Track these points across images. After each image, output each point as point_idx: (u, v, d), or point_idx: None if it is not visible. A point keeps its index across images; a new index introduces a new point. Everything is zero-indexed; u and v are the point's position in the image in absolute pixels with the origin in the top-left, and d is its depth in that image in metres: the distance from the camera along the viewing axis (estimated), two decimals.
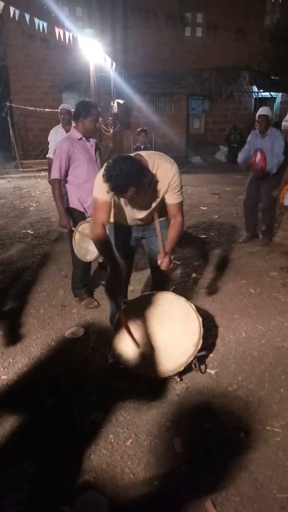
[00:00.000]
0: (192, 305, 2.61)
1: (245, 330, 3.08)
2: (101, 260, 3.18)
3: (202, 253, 4.78)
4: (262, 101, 14.60)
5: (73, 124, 5.12)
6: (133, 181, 2.00)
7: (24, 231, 5.74)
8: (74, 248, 3.25)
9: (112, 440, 2.06)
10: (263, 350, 2.83)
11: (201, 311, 2.76)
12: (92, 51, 9.68)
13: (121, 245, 2.62)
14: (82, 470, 1.89)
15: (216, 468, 1.89)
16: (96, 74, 10.86)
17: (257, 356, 2.76)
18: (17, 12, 6.78)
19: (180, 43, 13.97)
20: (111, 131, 11.85)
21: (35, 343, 2.95)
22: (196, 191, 8.53)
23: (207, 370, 2.59)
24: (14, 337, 3.02)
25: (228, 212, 6.71)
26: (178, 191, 2.38)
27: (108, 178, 1.99)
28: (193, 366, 2.45)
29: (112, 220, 2.54)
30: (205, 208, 7.04)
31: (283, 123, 4.08)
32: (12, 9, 6.54)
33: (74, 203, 3.31)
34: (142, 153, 2.30)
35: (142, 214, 2.43)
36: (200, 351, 2.45)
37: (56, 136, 5.44)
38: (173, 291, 2.75)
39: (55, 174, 3.17)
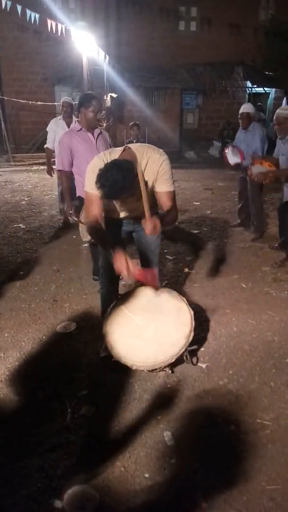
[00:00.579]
0: (184, 298, 2.61)
1: (237, 325, 3.10)
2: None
3: (194, 248, 4.79)
4: (255, 97, 14.62)
5: (74, 118, 5.14)
6: (126, 190, 2.00)
7: (15, 225, 5.70)
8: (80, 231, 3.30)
9: (103, 434, 2.07)
10: (254, 344, 2.85)
11: (193, 305, 2.77)
12: (85, 44, 9.58)
13: (112, 238, 2.61)
14: (73, 464, 1.89)
15: (206, 460, 1.91)
16: (89, 67, 10.76)
17: (248, 350, 2.78)
18: (9, 3, 6.69)
19: (174, 37, 13.90)
20: (104, 125, 11.77)
21: (27, 338, 2.93)
22: (189, 186, 8.53)
23: (198, 363, 2.61)
24: (5, 332, 3.00)
25: (221, 207, 6.72)
26: (168, 178, 2.32)
27: (100, 186, 1.97)
28: (184, 358, 2.46)
29: (103, 214, 2.53)
30: (198, 203, 7.04)
31: (277, 111, 4.11)
32: (3, 0, 6.45)
33: (80, 192, 3.42)
34: (131, 146, 2.29)
35: (132, 207, 2.42)
36: (191, 344, 2.46)
37: (56, 127, 5.48)
38: (165, 285, 2.76)
39: (59, 166, 3.43)
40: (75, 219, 3.39)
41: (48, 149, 5.75)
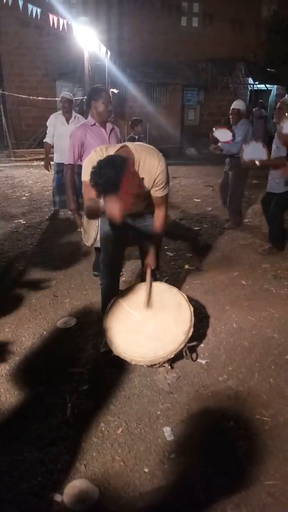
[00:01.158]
0: (184, 295, 2.62)
1: (236, 321, 3.10)
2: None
3: (195, 244, 4.79)
4: (257, 93, 14.57)
5: (74, 114, 5.13)
6: (119, 188, 1.99)
7: (16, 221, 5.70)
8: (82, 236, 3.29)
9: (103, 429, 2.08)
10: (254, 340, 2.86)
11: (193, 302, 2.77)
12: (87, 39, 9.53)
13: (112, 234, 2.61)
14: (73, 458, 1.90)
15: (205, 455, 1.92)
16: (90, 62, 10.72)
17: (248, 346, 2.79)
18: None
19: (176, 33, 13.81)
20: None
21: (27, 333, 2.94)
22: (190, 183, 8.51)
23: (198, 360, 2.62)
24: (5, 327, 3.01)
25: (221, 204, 6.69)
26: (163, 186, 2.37)
27: (94, 183, 1.98)
28: (184, 354, 2.47)
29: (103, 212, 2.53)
30: (199, 200, 7.04)
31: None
32: None
33: None
34: (130, 145, 2.28)
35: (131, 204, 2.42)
36: (191, 341, 2.47)
37: (56, 121, 5.49)
38: (166, 281, 2.76)
39: (69, 160, 3.32)
40: (74, 219, 3.33)
41: (47, 144, 5.76)
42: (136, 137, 6.36)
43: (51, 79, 13.33)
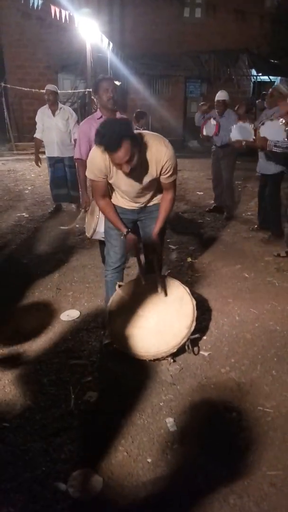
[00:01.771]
0: (187, 288, 2.62)
1: (239, 314, 3.11)
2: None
3: (197, 237, 4.78)
4: (260, 85, 14.42)
5: (59, 105, 5.13)
6: (125, 135, 1.99)
7: (19, 214, 5.70)
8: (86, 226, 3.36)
9: (106, 420, 2.10)
10: (256, 333, 2.86)
11: (195, 295, 2.78)
12: (89, 31, 9.47)
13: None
14: (77, 448, 1.92)
15: (207, 446, 1.94)
16: (92, 54, 10.65)
17: (250, 339, 2.80)
18: None
19: (178, 24, 13.66)
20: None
21: (30, 325, 2.96)
22: (192, 175, 8.48)
23: (201, 352, 2.63)
24: (8, 319, 3.03)
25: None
26: (172, 173, 2.37)
27: (100, 139, 1.99)
28: (186, 347, 2.48)
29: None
30: (201, 193, 7.02)
31: (277, 84, 4.32)
32: None
33: None
34: (136, 131, 2.28)
35: (136, 193, 2.43)
36: (193, 333, 2.48)
37: (43, 116, 5.46)
38: (168, 274, 2.76)
39: (76, 155, 3.36)
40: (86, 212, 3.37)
41: (37, 139, 5.69)
42: (140, 129, 6.34)
43: (53, 72, 13.24)
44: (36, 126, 5.62)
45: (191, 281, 3.61)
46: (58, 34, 11.97)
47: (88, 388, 2.31)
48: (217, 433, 2.01)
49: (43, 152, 5.70)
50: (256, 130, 4.25)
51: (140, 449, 1.92)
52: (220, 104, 5.32)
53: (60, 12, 7.89)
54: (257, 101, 13.02)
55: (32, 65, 13.24)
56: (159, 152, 2.25)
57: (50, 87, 5.46)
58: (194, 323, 2.44)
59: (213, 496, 1.70)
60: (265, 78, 14.20)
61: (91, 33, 9.55)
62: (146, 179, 2.34)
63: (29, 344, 2.73)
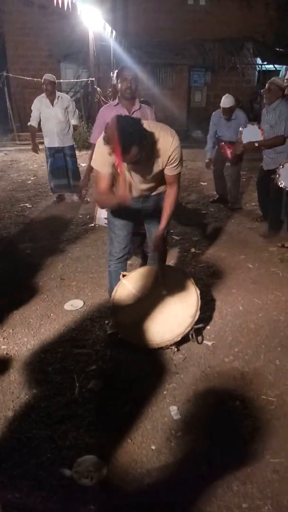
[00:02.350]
0: (191, 278, 2.62)
1: (243, 304, 3.11)
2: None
3: (201, 228, 4.77)
4: (266, 74, 14.23)
5: (57, 94, 5.16)
6: (135, 140, 1.97)
7: (22, 205, 5.70)
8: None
9: (110, 407, 2.11)
10: (260, 323, 2.87)
11: (199, 285, 2.77)
12: (92, 19, 9.33)
13: (121, 217, 2.61)
14: (81, 435, 1.94)
15: (211, 434, 1.95)
16: (95, 43, 10.53)
17: (254, 328, 2.80)
18: None
19: (182, 12, 13.45)
20: (110, 102, 11.60)
21: (34, 315, 2.97)
22: (196, 166, 8.43)
23: (204, 341, 2.63)
24: (13, 309, 3.04)
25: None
26: (177, 164, 2.35)
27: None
28: (190, 336, 2.49)
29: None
30: (205, 183, 6.98)
31: (273, 79, 4.25)
32: None
33: None
34: (144, 122, 2.25)
35: (142, 184, 2.41)
36: (197, 323, 2.48)
37: (40, 105, 5.41)
38: (172, 264, 2.76)
39: (92, 140, 3.38)
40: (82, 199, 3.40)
41: (32, 127, 5.59)
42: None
43: (55, 61, 13.12)
44: (31, 114, 5.55)
45: (195, 271, 3.61)
46: (61, 22, 11.82)
47: (92, 376, 2.33)
48: (221, 421, 2.02)
49: (41, 142, 5.66)
50: (262, 130, 4.27)
51: (144, 437, 1.94)
52: (227, 111, 5.20)
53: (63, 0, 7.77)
54: (261, 90, 12.86)
55: (34, 54, 13.11)
56: (166, 143, 2.23)
57: (48, 76, 5.41)
58: (198, 313, 2.44)
59: (216, 483, 1.71)
60: (270, 67, 14.01)
61: (94, 21, 9.41)
62: (152, 170, 2.32)
63: (34, 334, 2.74)
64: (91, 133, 3.35)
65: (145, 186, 2.43)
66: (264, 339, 2.69)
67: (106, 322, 2.80)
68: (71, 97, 9.28)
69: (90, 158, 3.44)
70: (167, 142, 2.24)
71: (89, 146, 10.04)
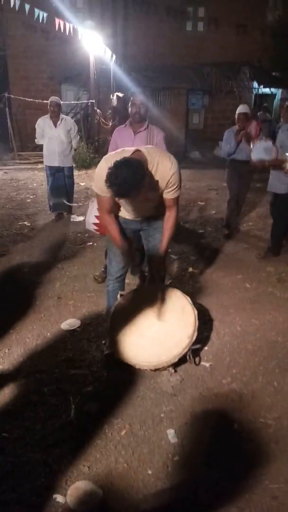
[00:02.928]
0: (188, 298, 2.62)
1: (240, 324, 3.10)
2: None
3: (199, 247, 4.79)
4: (262, 97, 14.58)
5: (61, 116, 5.33)
6: (135, 188, 2.01)
7: (20, 223, 5.72)
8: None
9: (107, 430, 2.08)
10: (258, 344, 2.85)
11: (196, 305, 2.77)
12: (92, 43, 9.60)
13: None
14: (76, 460, 1.90)
15: (208, 458, 1.91)
16: (96, 66, 10.78)
17: (252, 349, 2.78)
18: (17, 2, 6.71)
19: (181, 37, 13.84)
20: (110, 124, 11.79)
21: (31, 334, 2.95)
22: (194, 186, 8.52)
23: (202, 362, 2.61)
24: (9, 328, 3.02)
25: (225, 207, 6.68)
26: (176, 188, 2.39)
27: (110, 185, 1.99)
28: (187, 358, 2.47)
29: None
30: (203, 203, 7.04)
31: None
32: None
33: None
34: (143, 149, 2.29)
35: (139, 211, 2.45)
36: (194, 344, 2.47)
37: (43, 125, 5.57)
38: (170, 284, 2.76)
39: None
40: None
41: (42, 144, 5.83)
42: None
43: (56, 83, 13.39)
44: (37, 133, 5.72)
45: (192, 291, 3.61)
46: (62, 46, 12.13)
47: (88, 398, 2.30)
48: (218, 445, 1.99)
49: (40, 161, 5.78)
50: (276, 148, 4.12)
51: (141, 461, 1.90)
52: (242, 118, 4.84)
53: (65, 25, 8.00)
54: (258, 113, 13.14)
55: (36, 76, 13.39)
56: (164, 168, 2.27)
57: (54, 99, 5.62)
58: (196, 333, 2.43)
59: (214, 509, 1.67)
60: (266, 90, 14.35)
61: (94, 46, 9.68)
62: (151, 196, 2.36)
63: (30, 353, 2.72)
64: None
65: (144, 209, 2.46)
66: (262, 360, 2.67)
67: (103, 342, 2.78)
68: (72, 118, 9.44)
69: None
70: (166, 167, 2.28)
71: (88, 166, 10.13)
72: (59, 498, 1.72)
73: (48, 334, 2.96)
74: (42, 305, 3.38)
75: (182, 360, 2.47)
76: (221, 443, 2.01)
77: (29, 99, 12.33)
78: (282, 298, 3.54)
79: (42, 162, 5.86)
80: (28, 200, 7.18)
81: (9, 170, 10.50)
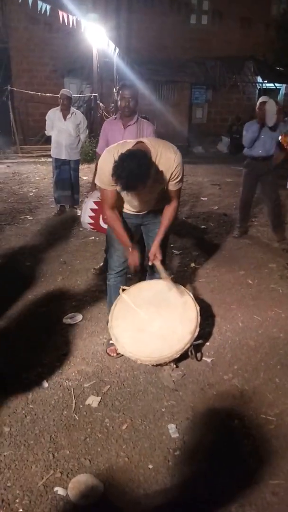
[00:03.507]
0: (190, 293, 2.61)
1: (242, 320, 3.10)
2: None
3: (201, 243, 4.78)
4: (266, 92, 14.46)
5: (72, 109, 5.34)
6: (142, 180, 1.99)
7: (23, 217, 5.72)
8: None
9: (108, 424, 2.09)
10: (260, 340, 2.85)
11: (198, 301, 2.77)
12: (96, 36, 9.53)
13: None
14: (78, 453, 1.91)
15: (209, 453, 1.92)
16: (99, 59, 10.71)
17: (253, 346, 2.78)
18: None
19: (185, 30, 13.74)
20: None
21: (33, 328, 2.95)
22: (196, 181, 8.50)
23: (204, 358, 2.61)
24: (11, 321, 3.02)
25: (228, 203, 6.69)
26: (179, 180, 2.37)
27: (117, 178, 1.96)
28: (189, 353, 2.47)
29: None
30: (205, 198, 7.02)
31: None
32: None
33: None
34: (145, 140, 2.27)
35: (143, 203, 2.43)
36: (196, 339, 2.47)
37: (53, 117, 5.60)
38: (172, 279, 2.75)
39: (98, 149, 3.58)
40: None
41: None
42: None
43: (59, 76, 13.32)
44: (46, 124, 5.75)
45: (194, 287, 3.61)
46: (65, 39, 12.05)
47: (89, 392, 2.30)
48: (219, 441, 2.00)
49: (45, 155, 5.76)
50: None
51: (142, 455, 1.91)
52: (263, 108, 4.38)
53: (68, 17, 7.94)
54: None
55: (38, 69, 13.32)
56: (168, 160, 2.25)
57: (65, 92, 5.65)
58: (198, 329, 2.43)
59: (214, 504, 1.68)
60: (270, 85, 14.24)
61: (97, 38, 9.61)
62: (155, 189, 2.34)
63: (31, 347, 2.72)
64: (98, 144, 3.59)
65: (147, 202, 2.44)
66: (263, 356, 2.67)
67: (105, 337, 2.78)
68: None
69: (95, 168, 3.59)
70: (170, 159, 2.25)
71: (90, 160, 10.08)
72: (60, 491, 1.73)
73: (50, 328, 2.96)
74: (44, 299, 3.38)
75: (183, 356, 2.47)
76: (222, 438, 2.01)
77: (32, 92, 12.28)
78: (284, 294, 3.54)
79: (44, 155, 5.89)
80: (31, 194, 7.17)
81: (12, 163, 10.48)
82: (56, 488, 1.74)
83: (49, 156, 5.72)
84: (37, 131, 12.86)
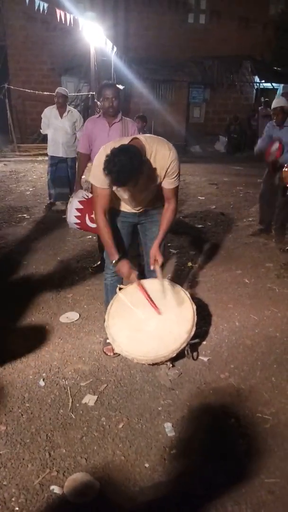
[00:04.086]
0: (187, 292, 2.61)
1: (239, 319, 3.10)
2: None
3: (198, 242, 4.78)
4: (263, 92, 14.51)
5: (68, 108, 5.38)
6: (134, 175, 1.98)
7: (20, 215, 5.71)
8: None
9: (104, 423, 2.09)
10: (256, 339, 2.86)
11: (195, 300, 2.78)
12: (93, 34, 9.52)
13: (117, 231, 2.60)
14: (74, 452, 1.91)
15: (205, 452, 1.92)
16: (96, 58, 10.69)
17: (250, 345, 2.79)
18: None
19: (182, 30, 13.74)
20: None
21: (29, 327, 2.95)
22: (194, 180, 8.50)
23: (200, 357, 2.62)
24: (8, 320, 3.02)
25: (225, 202, 6.70)
26: (175, 177, 2.35)
27: (108, 172, 1.95)
28: (185, 352, 2.47)
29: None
30: (203, 198, 7.03)
31: None
32: None
33: None
34: (140, 137, 2.26)
35: (138, 201, 2.42)
36: (193, 338, 2.46)
37: (50, 115, 5.64)
38: (169, 279, 2.76)
39: (78, 148, 3.68)
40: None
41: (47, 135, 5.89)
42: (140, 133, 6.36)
43: (56, 74, 13.30)
44: (42, 122, 5.79)
45: (191, 286, 3.61)
46: (63, 37, 12.04)
47: (86, 391, 2.30)
48: (216, 439, 2.00)
49: (41, 154, 5.77)
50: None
51: (138, 454, 1.91)
52: (279, 112, 4.40)
53: (65, 15, 7.93)
54: (259, 108, 13.09)
55: (36, 67, 13.30)
56: (163, 157, 2.24)
57: (61, 90, 5.68)
58: (194, 328, 2.43)
59: (210, 502, 1.68)
60: (268, 85, 14.28)
61: (95, 37, 9.60)
62: (150, 186, 2.33)
63: (28, 346, 2.72)
64: (78, 143, 3.65)
65: (142, 200, 2.43)
66: (260, 355, 2.67)
67: (101, 336, 2.78)
68: None
69: (79, 167, 3.77)
70: (165, 156, 2.24)
71: None
72: (56, 489, 1.73)
73: (47, 326, 2.96)
74: (41, 298, 3.38)
75: (180, 355, 2.47)
76: (218, 437, 2.01)
77: (29, 91, 12.26)
78: (281, 293, 3.55)
79: (42, 154, 5.88)
80: (28, 193, 7.15)
81: (9, 162, 10.45)
82: (52, 487, 1.74)
83: (46, 154, 5.72)
84: (34, 130, 12.82)
